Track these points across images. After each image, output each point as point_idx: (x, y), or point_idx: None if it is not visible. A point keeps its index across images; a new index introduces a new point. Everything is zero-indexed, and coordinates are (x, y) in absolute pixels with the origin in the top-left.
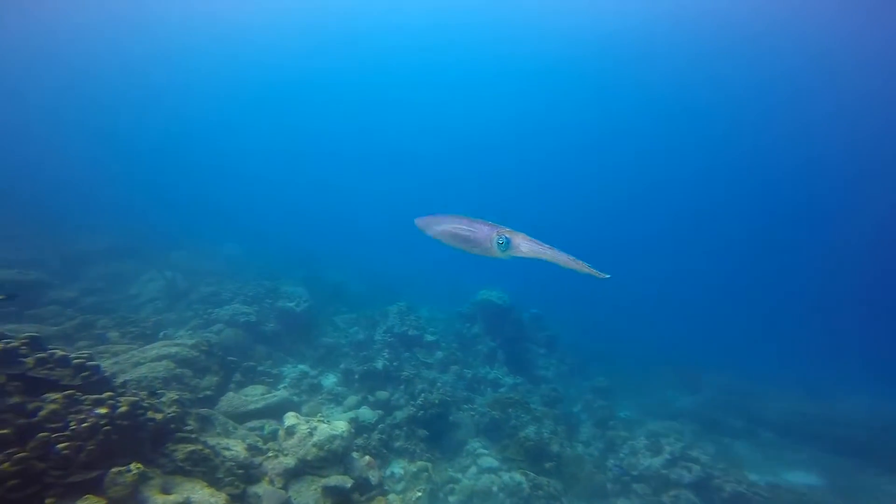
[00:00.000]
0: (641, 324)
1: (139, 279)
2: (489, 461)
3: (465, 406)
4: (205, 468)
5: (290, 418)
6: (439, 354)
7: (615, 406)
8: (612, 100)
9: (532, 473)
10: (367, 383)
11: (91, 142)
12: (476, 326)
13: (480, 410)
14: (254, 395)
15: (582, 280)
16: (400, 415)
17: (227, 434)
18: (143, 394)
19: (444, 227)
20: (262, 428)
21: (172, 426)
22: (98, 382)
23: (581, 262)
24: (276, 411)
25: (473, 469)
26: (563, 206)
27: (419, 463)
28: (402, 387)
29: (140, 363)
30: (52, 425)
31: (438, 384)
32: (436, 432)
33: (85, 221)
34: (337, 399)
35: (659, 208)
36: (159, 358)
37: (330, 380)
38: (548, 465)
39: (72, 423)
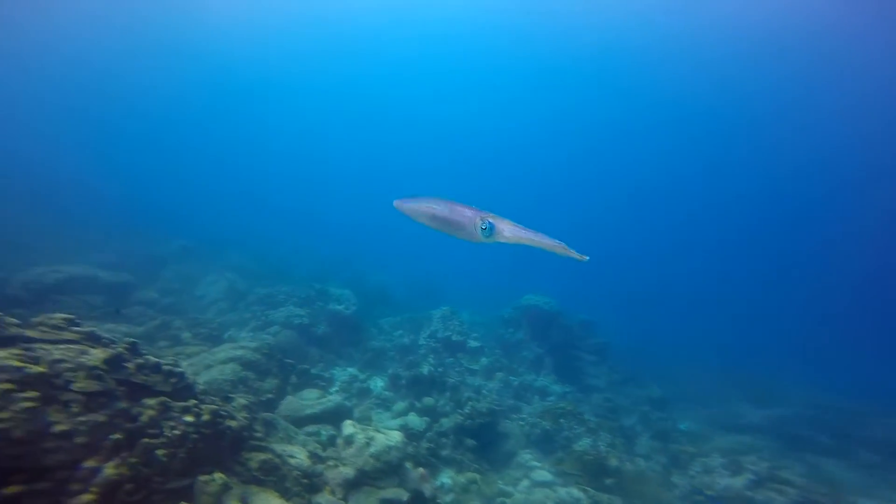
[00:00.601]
0: (696, 330)
1: (204, 280)
2: (543, 475)
3: (514, 415)
4: (275, 477)
5: (348, 427)
6: (484, 361)
7: (674, 418)
8: (642, 98)
9: (591, 489)
10: (413, 389)
11: (132, 146)
12: (520, 332)
13: (530, 420)
14: (310, 399)
15: (634, 284)
16: (447, 422)
17: (290, 440)
18: (218, 400)
19: (423, 207)
20: (318, 433)
21: (245, 433)
22: (184, 389)
23: (563, 245)
24: (331, 416)
25: (526, 482)
26: (607, 210)
27: (468, 474)
28: (447, 393)
29: (210, 365)
30: (151, 431)
31: (484, 391)
32: (484, 442)
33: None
34: (385, 404)
35: (709, 210)
36: (227, 360)
37: (378, 384)
38: (608, 480)
39: (165, 430)
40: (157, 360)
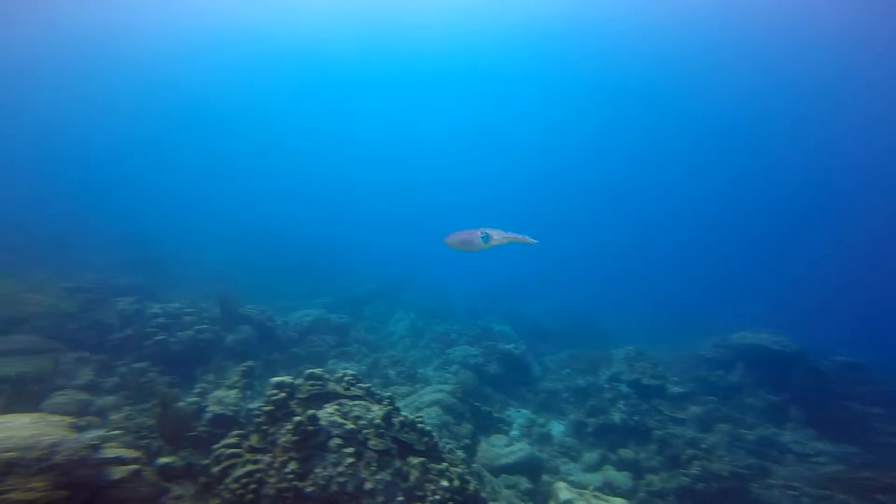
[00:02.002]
0: None
1: (392, 318)
2: None
3: (765, 480)
4: None
5: (563, 491)
6: (695, 409)
7: None
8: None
9: None
10: (603, 438)
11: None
12: (733, 375)
13: (808, 491)
14: (499, 446)
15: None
16: (656, 480)
17: (496, 496)
18: (459, 462)
19: (454, 239)
20: (516, 485)
21: (480, 494)
22: (432, 448)
23: (522, 235)
24: (525, 468)
25: None
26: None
27: None
28: (652, 446)
29: (420, 408)
30: (419, 493)
31: (703, 446)
32: None
33: (349, 270)
34: (570, 454)
35: None
36: (431, 404)
37: (557, 429)
38: None
39: (428, 493)
40: (413, 417)
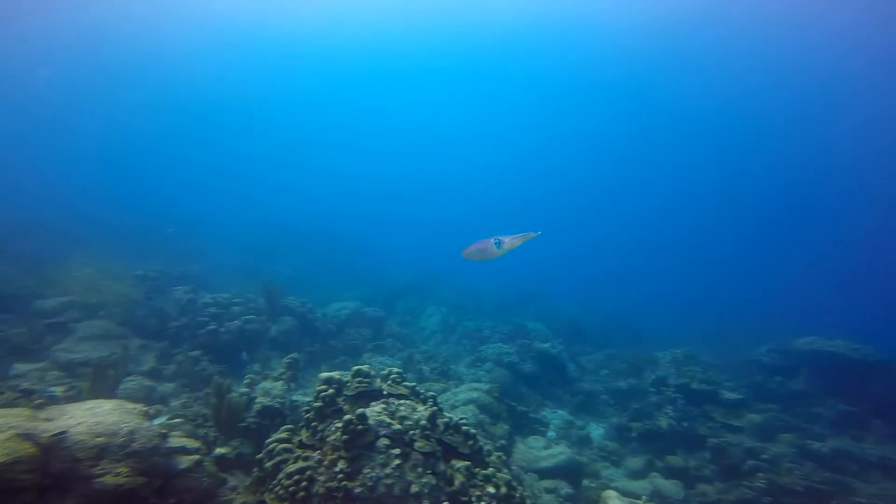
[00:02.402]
0: None
1: (424, 313)
2: None
3: (846, 497)
4: None
5: (614, 500)
6: (754, 417)
7: None
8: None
9: None
10: (648, 444)
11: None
12: (796, 382)
13: None
14: (537, 448)
15: None
16: (710, 490)
17: (537, 500)
18: (502, 467)
19: (472, 250)
20: (556, 490)
21: (527, 502)
22: (477, 452)
23: (525, 233)
24: (565, 472)
25: None
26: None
27: None
28: (705, 454)
29: (455, 406)
30: (464, 498)
31: (765, 456)
32: None
33: (383, 264)
34: (611, 458)
35: None
36: (466, 402)
37: (596, 432)
38: None
39: (473, 499)
40: (457, 419)
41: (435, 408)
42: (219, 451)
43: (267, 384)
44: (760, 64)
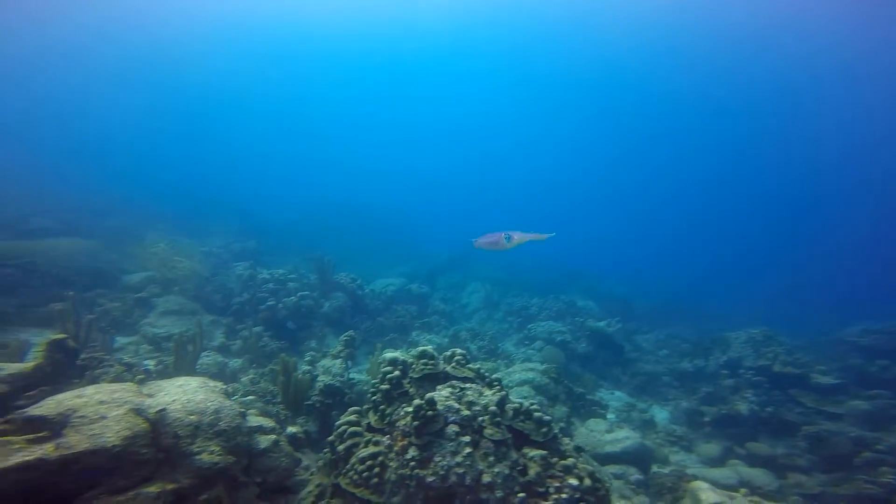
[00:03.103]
0: None
1: (466, 289)
2: None
3: None
4: None
5: (706, 493)
6: (859, 404)
7: None
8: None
9: None
10: (725, 430)
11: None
12: None
13: None
14: (599, 431)
15: None
16: (808, 482)
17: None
18: (586, 456)
19: (484, 241)
20: (624, 475)
21: (611, 497)
22: (552, 440)
23: (535, 233)
24: (633, 456)
25: None
26: None
27: None
28: (798, 443)
29: (508, 387)
30: (540, 489)
31: (880, 447)
32: None
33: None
34: (680, 443)
35: None
36: (521, 383)
37: (661, 415)
38: None
39: (552, 491)
40: (527, 404)
41: (503, 392)
42: (290, 429)
43: (326, 362)
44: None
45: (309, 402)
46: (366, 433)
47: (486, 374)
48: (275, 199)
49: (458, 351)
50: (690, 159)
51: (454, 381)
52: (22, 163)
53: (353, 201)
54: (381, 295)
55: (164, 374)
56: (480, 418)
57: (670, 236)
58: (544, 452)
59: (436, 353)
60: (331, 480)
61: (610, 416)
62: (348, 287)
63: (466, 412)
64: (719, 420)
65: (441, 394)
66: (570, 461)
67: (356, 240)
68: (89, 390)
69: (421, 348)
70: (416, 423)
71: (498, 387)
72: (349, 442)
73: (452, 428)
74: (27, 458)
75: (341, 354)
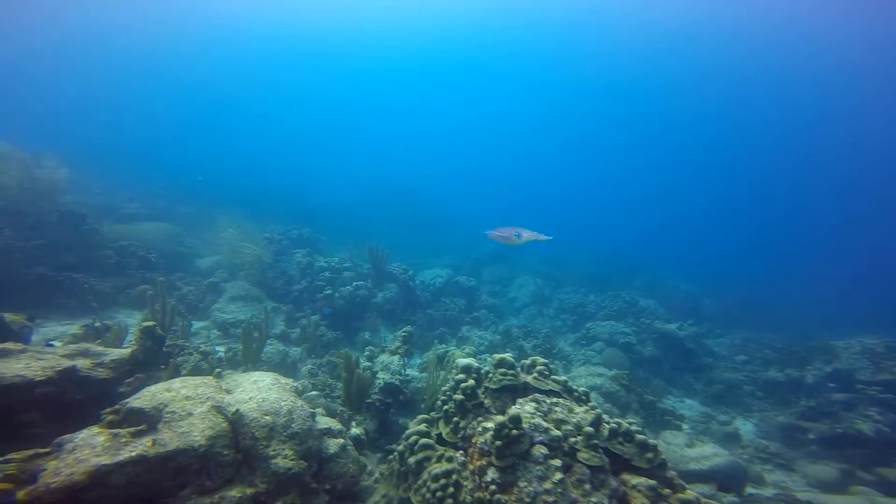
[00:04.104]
0: None
1: (514, 283)
2: None
3: None
4: None
5: None
6: None
7: None
8: None
9: None
10: (840, 451)
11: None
12: None
13: None
14: (678, 445)
15: None
16: None
17: None
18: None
19: (496, 234)
20: (714, 498)
21: None
22: (659, 466)
23: (536, 232)
24: (724, 476)
25: None
26: None
27: None
28: None
29: None
30: None
31: None
32: None
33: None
34: (775, 461)
35: None
36: (588, 389)
37: (745, 428)
38: None
39: None
40: (627, 425)
41: (598, 410)
42: (353, 431)
43: (384, 357)
44: None
45: (369, 401)
46: (438, 447)
47: (574, 387)
48: (324, 186)
49: (540, 360)
50: (756, 154)
51: (537, 395)
52: (103, 157)
53: (397, 187)
54: (430, 286)
55: (234, 361)
56: (572, 439)
57: (741, 231)
58: (652, 482)
59: (515, 362)
60: (399, 493)
61: (686, 427)
62: (400, 278)
63: (556, 432)
64: (831, 439)
65: (525, 409)
66: (689, 495)
67: (401, 228)
68: (176, 383)
69: (499, 356)
70: (498, 442)
71: (589, 403)
72: (420, 455)
73: (540, 449)
74: (134, 453)
75: (399, 351)
